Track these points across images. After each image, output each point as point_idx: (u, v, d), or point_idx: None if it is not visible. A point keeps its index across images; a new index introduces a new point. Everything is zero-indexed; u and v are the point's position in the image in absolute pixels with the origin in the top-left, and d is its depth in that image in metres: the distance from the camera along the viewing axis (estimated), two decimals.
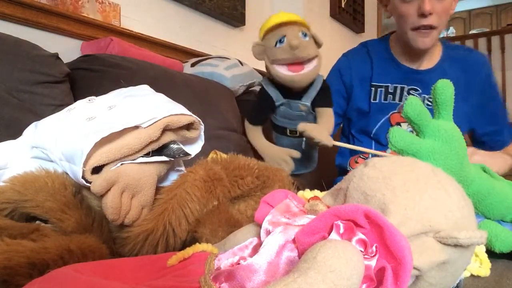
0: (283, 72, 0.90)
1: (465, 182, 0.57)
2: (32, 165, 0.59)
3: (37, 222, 0.55)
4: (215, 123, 1.35)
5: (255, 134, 1.03)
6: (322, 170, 1.23)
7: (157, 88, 0.72)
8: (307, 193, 0.59)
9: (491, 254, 0.56)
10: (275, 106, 0.97)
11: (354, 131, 1.25)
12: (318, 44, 0.94)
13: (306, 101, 0.95)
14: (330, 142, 0.88)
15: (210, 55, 1.70)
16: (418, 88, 1.15)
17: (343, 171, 1.26)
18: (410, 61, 1.16)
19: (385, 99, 1.16)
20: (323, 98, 0.96)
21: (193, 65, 1.56)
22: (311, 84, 0.94)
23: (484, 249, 0.55)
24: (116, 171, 0.53)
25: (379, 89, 1.17)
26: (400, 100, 1.16)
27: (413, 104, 0.53)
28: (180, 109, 0.61)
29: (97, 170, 0.53)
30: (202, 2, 1.77)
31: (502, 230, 0.58)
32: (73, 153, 0.52)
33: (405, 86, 1.15)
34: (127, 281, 0.36)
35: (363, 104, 1.19)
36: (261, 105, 1.01)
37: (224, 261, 0.37)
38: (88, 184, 0.51)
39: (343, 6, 2.74)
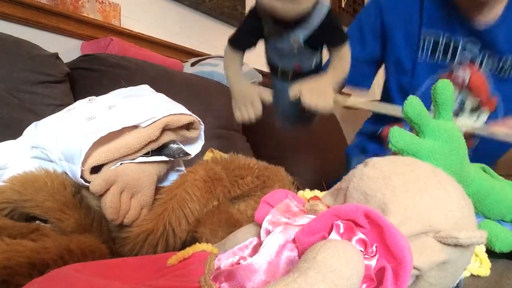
0: None
1: (465, 182, 0.57)
2: (32, 165, 0.59)
3: (37, 222, 0.55)
4: (215, 122, 1.35)
5: (231, 63, 0.81)
6: (323, 168, 1.22)
7: (157, 88, 0.72)
8: (307, 193, 0.59)
9: (491, 254, 0.56)
10: (262, 31, 0.73)
11: (393, 90, 1.00)
12: None
13: (299, 34, 0.69)
14: (329, 105, 0.69)
15: (210, 55, 1.70)
16: (478, 42, 0.92)
17: (365, 143, 1.02)
18: (471, 10, 0.91)
19: (433, 51, 0.94)
20: (329, 33, 0.72)
21: (193, 64, 1.56)
22: (310, 12, 0.68)
23: (484, 249, 0.55)
24: (115, 170, 0.53)
25: (427, 39, 0.94)
26: (453, 57, 0.93)
27: (413, 104, 0.53)
28: (179, 108, 0.61)
29: (96, 170, 0.53)
30: (202, 2, 1.77)
31: (502, 230, 0.58)
32: (72, 152, 0.52)
33: (461, 38, 0.93)
34: (127, 281, 0.36)
35: (405, 57, 0.96)
36: (247, 25, 0.76)
37: (224, 261, 0.37)
38: (87, 184, 0.51)
39: (343, 6, 2.74)
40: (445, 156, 0.52)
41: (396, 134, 0.52)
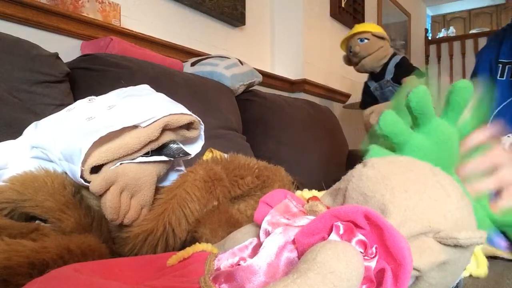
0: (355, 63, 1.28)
1: None
2: (32, 165, 0.59)
3: (37, 221, 0.55)
4: (215, 122, 1.35)
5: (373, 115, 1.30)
6: (323, 168, 1.22)
7: (157, 88, 0.72)
8: (306, 193, 0.59)
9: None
10: (370, 90, 1.31)
11: None
12: (380, 38, 1.23)
13: (387, 76, 1.23)
14: None
15: (210, 54, 1.70)
16: None
17: None
18: None
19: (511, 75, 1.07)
20: (401, 69, 1.20)
21: (193, 64, 1.56)
22: (387, 64, 1.25)
23: (481, 249, 0.55)
24: (115, 170, 0.53)
25: (507, 66, 1.08)
26: None
27: (420, 94, 0.48)
28: (179, 108, 0.61)
29: (96, 169, 0.53)
30: (202, 2, 1.77)
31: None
32: (72, 152, 0.52)
33: None
34: (127, 281, 0.36)
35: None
36: (363, 92, 1.36)
37: (224, 261, 0.37)
38: (87, 184, 0.51)
39: (343, 6, 2.73)
40: (430, 158, 0.48)
41: (388, 118, 0.48)
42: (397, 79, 1.17)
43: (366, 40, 1.18)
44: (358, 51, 1.18)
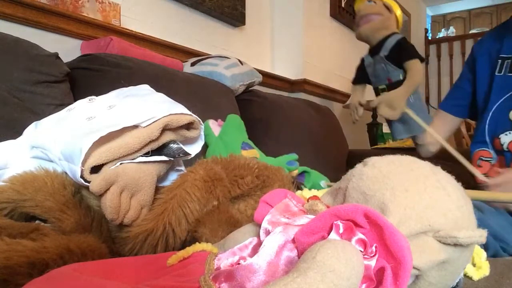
0: (357, 28, 1.12)
1: None
2: (32, 165, 0.59)
3: (37, 221, 0.55)
4: None
5: (353, 92, 1.21)
6: (323, 168, 1.22)
7: (157, 88, 0.72)
8: (306, 192, 0.59)
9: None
10: (364, 65, 1.14)
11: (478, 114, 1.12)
12: (386, 6, 1.09)
13: (383, 53, 1.07)
14: (395, 115, 1.00)
15: (210, 54, 1.70)
16: None
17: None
18: None
19: (510, 71, 1.04)
20: (399, 49, 1.05)
21: (193, 64, 1.56)
22: (386, 38, 1.08)
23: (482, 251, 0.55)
24: (115, 170, 0.53)
25: (506, 61, 1.06)
26: None
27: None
28: (179, 108, 0.61)
29: (96, 169, 0.53)
30: (202, 2, 1.77)
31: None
32: (72, 152, 0.52)
33: None
34: (127, 280, 0.36)
35: (483, 80, 1.09)
36: (358, 68, 1.19)
37: (224, 260, 0.37)
38: (87, 184, 0.51)
39: (343, 6, 2.73)
40: None
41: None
42: (393, 58, 1.07)
43: (373, 2, 1.09)
44: (358, 9, 1.07)
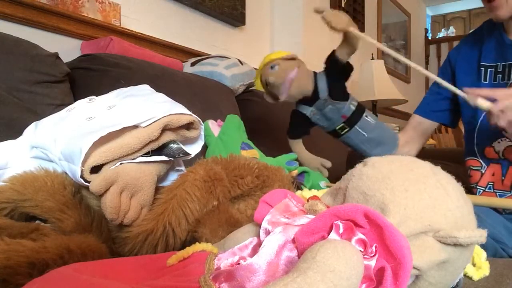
0: (283, 97, 1.05)
1: None
2: (32, 165, 0.59)
3: (37, 221, 0.55)
4: None
5: (295, 146, 1.16)
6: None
7: (157, 87, 0.72)
8: (306, 193, 0.59)
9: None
10: (301, 117, 1.08)
11: (465, 124, 1.12)
12: (286, 59, 1.04)
13: (323, 95, 1.03)
14: (347, 27, 0.95)
15: (210, 54, 1.70)
16: None
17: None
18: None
19: (495, 79, 1.03)
20: (334, 80, 1.04)
21: (193, 64, 1.56)
22: (315, 82, 1.04)
23: (481, 249, 0.55)
24: (115, 170, 0.53)
25: (489, 69, 1.05)
26: (509, 79, 1.01)
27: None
28: (179, 108, 0.61)
29: (96, 169, 0.53)
30: (202, 2, 1.77)
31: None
32: (72, 152, 0.52)
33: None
34: (127, 281, 0.36)
35: (467, 85, 1.06)
36: (292, 123, 1.14)
37: (224, 260, 0.37)
38: (87, 184, 0.51)
39: (343, 6, 2.74)
40: None
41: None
42: (337, 93, 1.01)
43: (276, 67, 1.02)
44: (273, 81, 0.99)
